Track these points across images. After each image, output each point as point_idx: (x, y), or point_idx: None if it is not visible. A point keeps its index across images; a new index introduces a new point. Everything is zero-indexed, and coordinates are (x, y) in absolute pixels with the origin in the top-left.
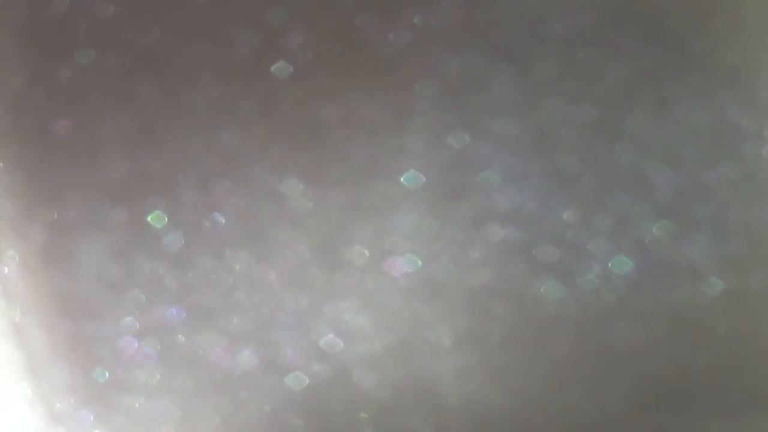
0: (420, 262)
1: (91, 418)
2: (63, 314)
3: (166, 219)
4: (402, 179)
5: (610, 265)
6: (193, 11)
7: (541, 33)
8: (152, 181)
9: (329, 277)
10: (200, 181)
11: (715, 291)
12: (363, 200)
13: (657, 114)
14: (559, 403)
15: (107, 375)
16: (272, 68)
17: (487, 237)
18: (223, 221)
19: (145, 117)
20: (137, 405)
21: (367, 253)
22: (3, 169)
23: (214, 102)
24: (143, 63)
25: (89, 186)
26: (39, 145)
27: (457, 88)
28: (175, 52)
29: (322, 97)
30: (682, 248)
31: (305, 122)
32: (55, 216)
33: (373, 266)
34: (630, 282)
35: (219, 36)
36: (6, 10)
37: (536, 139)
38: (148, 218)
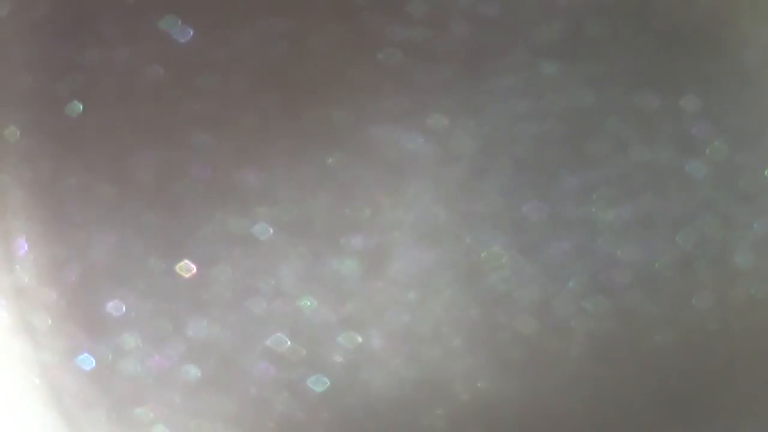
0: (429, 261)
1: (103, 417)
2: (74, 311)
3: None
4: (408, 177)
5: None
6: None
7: (546, 31)
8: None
9: (337, 275)
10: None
11: (728, 291)
12: (370, 198)
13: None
14: (570, 400)
15: (113, 370)
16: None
17: (498, 235)
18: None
19: (142, 97)
20: (149, 402)
21: (376, 251)
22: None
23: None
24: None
25: (103, 182)
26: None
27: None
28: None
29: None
30: (698, 250)
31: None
32: (68, 212)
33: (382, 264)
34: (643, 281)
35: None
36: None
37: (545, 136)
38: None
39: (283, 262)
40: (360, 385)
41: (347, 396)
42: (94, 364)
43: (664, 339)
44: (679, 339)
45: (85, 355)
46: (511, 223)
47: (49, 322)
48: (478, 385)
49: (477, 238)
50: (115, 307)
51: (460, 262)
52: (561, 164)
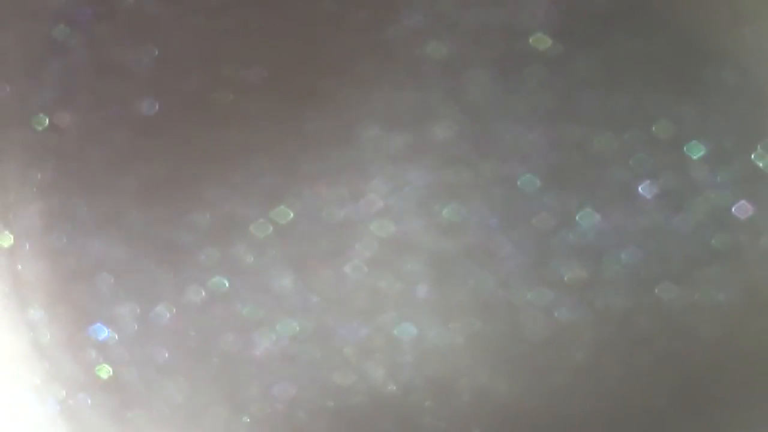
0: (433, 258)
1: (102, 411)
2: (73, 305)
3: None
4: (410, 175)
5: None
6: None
7: (538, 28)
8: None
9: (340, 273)
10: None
11: (736, 290)
12: (374, 196)
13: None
14: (572, 400)
15: (114, 368)
16: None
17: (500, 233)
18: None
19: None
20: (147, 398)
21: (378, 248)
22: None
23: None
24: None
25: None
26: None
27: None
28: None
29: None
30: (701, 244)
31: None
32: (71, 212)
33: (384, 262)
34: (644, 279)
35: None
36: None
37: (539, 131)
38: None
39: (286, 256)
40: (363, 382)
41: (351, 393)
42: (107, 333)
43: (667, 337)
44: (682, 337)
45: (98, 324)
46: (514, 221)
47: (51, 318)
48: (480, 384)
49: (478, 236)
50: (117, 304)
51: (464, 260)
52: (570, 163)
